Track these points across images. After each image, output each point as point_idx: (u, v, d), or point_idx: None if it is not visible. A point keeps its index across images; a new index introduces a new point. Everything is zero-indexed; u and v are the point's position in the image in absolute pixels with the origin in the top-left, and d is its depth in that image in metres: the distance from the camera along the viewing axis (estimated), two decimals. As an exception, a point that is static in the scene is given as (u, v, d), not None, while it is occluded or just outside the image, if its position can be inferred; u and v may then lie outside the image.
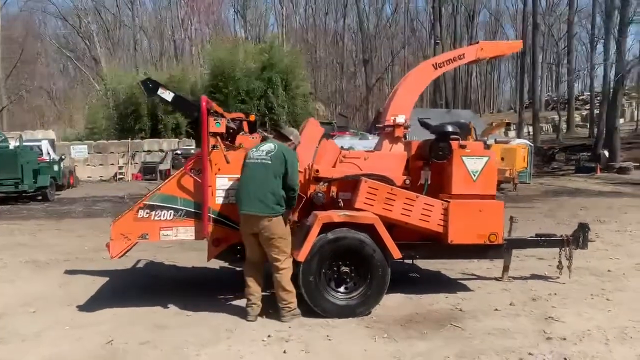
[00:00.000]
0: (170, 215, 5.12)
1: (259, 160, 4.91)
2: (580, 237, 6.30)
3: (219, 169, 5.21)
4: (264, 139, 5.26)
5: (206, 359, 4.21)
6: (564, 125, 44.78)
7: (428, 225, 5.47)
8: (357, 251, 5.09)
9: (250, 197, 4.84)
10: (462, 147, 5.61)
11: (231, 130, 5.35)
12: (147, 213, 5.08)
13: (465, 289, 6.12)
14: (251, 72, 30.34)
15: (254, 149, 5.04)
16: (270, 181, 4.85)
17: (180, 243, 8.58)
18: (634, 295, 5.84)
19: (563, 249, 6.31)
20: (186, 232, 5.17)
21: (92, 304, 5.57)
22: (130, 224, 5.06)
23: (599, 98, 42.04)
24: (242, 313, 5.18)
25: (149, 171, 26.11)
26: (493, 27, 62.56)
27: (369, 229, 5.11)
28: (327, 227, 5.05)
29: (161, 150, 27.17)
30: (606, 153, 31.93)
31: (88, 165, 26.86)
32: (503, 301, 5.60)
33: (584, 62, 55.87)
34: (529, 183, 22.34)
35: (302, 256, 4.96)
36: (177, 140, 27.94)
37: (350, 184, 5.56)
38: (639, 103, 46.24)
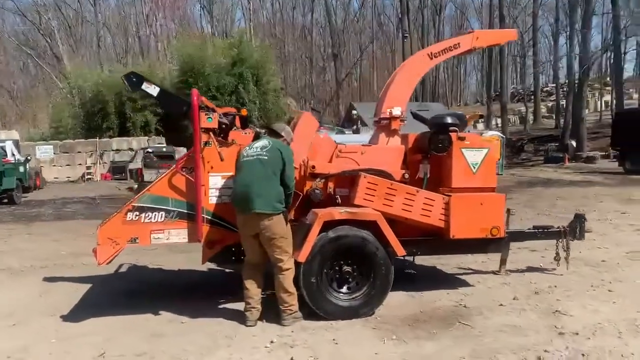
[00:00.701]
0: (161, 217, 4.82)
1: (255, 157, 4.66)
2: (577, 228, 6.24)
3: (212, 167, 4.94)
4: (256, 137, 5.02)
5: (209, 369, 3.95)
6: (530, 117, 45.54)
7: (429, 220, 5.30)
8: (360, 249, 4.90)
9: (249, 196, 4.58)
10: (461, 139, 5.46)
11: (223, 126, 5.09)
12: (136, 215, 4.77)
13: (465, 284, 6.00)
14: (221, 67, 29.82)
15: (247, 147, 4.79)
16: (269, 177, 4.62)
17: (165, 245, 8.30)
18: (634, 286, 5.80)
19: (560, 240, 6.24)
20: (179, 234, 4.88)
21: (78, 314, 5.23)
22: (119, 228, 4.75)
23: (564, 89, 42.84)
24: (239, 317, 4.93)
25: (118, 171, 25.46)
26: (459, 21, 63.18)
27: (372, 225, 4.92)
28: (327, 226, 4.83)
29: (130, 149, 26.50)
30: (573, 143, 32.62)
31: (54, 165, 26.03)
32: (506, 296, 5.49)
33: (547, 55, 56.92)
34: (502, 174, 22.54)
35: (302, 256, 4.73)
36: (146, 138, 27.28)
37: (348, 180, 5.36)
38: (602, 94, 47.34)
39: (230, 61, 30.21)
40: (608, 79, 47.01)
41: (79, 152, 26.53)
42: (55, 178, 25.26)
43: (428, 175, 5.51)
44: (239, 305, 5.33)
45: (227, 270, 6.91)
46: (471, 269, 6.65)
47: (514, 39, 6.59)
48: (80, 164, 26.33)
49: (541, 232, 6.20)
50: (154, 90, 5.21)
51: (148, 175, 19.39)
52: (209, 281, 6.56)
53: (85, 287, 6.19)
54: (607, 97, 48.08)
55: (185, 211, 4.87)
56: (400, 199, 5.22)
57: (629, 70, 53.63)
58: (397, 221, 5.28)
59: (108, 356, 4.22)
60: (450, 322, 4.77)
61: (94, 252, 4.73)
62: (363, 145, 5.67)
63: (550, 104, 49.57)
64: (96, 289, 6.14)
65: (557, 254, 6.27)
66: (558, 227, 6.26)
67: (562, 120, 39.06)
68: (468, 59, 69.29)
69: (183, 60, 30.21)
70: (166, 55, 42.57)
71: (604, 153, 31.32)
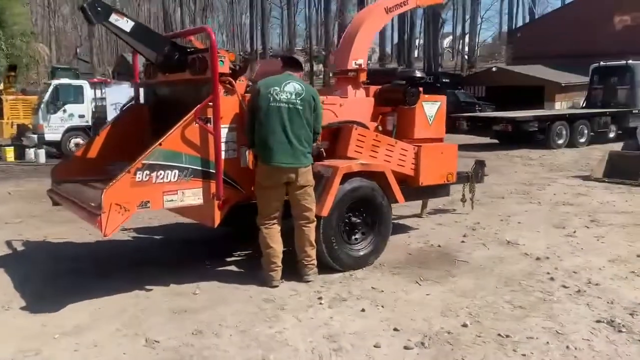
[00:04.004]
0: (174, 175, 4.12)
1: (291, 106, 4.33)
2: (479, 172, 7.23)
3: (221, 118, 4.38)
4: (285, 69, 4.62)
5: (293, 333, 3.66)
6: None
7: (403, 169, 5.60)
8: (370, 200, 4.98)
9: (290, 151, 4.32)
10: (421, 92, 5.84)
11: (231, 72, 4.50)
12: (146, 175, 4.00)
13: (409, 228, 6.51)
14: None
15: (276, 88, 4.37)
16: (306, 128, 4.41)
17: (38, 215, 7.00)
18: (529, 216, 7.11)
19: (466, 183, 7.17)
20: (194, 195, 4.25)
21: (41, 304, 4.15)
22: (127, 191, 3.92)
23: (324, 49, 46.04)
24: (249, 279, 4.66)
25: None
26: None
27: (378, 176, 5.04)
28: (344, 178, 4.78)
29: None
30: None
31: None
32: (454, 234, 6.19)
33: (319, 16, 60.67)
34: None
35: (326, 210, 4.61)
36: None
37: (330, 132, 5.31)
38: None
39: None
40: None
41: None
42: None
43: (396, 127, 5.77)
44: (230, 268, 5.04)
45: (156, 237, 6.21)
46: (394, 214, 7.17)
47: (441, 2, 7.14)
48: None
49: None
50: (126, 24, 4.32)
51: None
52: (148, 249, 5.79)
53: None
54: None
55: (200, 168, 4.26)
56: (383, 150, 5.40)
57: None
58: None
59: (159, 340, 3.57)
60: (448, 260, 5.23)
61: (98, 222, 3.83)
62: (340, 97, 5.61)
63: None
64: (22, 273, 4.89)
65: (464, 195, 7.20)
66: (466, 172, 7.16)
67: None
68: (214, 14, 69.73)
69: None
70: None
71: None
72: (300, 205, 4.48)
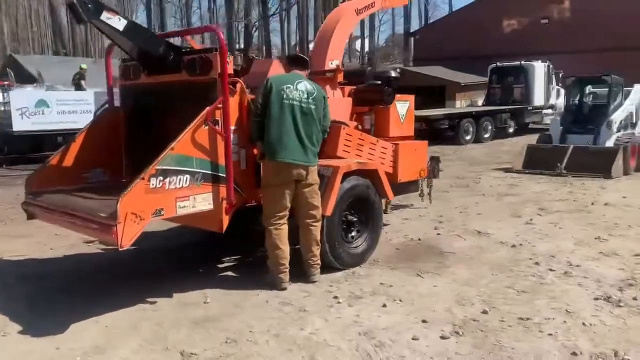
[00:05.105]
0: (186, 181, 3.94)
1: (303, 105, 4.33)
2: (435, 168, 7.54)
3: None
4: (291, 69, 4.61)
5: (328, 333, 3.65)
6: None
7: (383, 167, 5.73)
8: (364, 197, 5.06)
9: (300, 147, 4.31)
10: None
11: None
12: (160, 181, 3.78)
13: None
14: None
15: (289, 86, 4.34)
16: (316, 128, 4.45)
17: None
18: (483, 208, 7.54)
19: (424, 179, 7.45)
20: (204, 200, 4.08)
21: (40, 324, 3.81)
22: (142, 198, 3.69)
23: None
24: (253, 284, 4.56)
25: None
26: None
27: (371, 174, 5.13)
28: (343, 177, 4.82)
29: None
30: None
31: None
32: (425, 227, 6.44)
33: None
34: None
35: (329, 210, 4.63)
36: None
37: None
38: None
39: None
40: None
41: None
42: None
43: (374, 126, 5.90)
44: (227, 274, 4.91)
45: (134, 247, 5.83)
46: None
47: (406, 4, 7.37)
48: None
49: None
50: (119, 23, 4.07)
51: None
52: (125, 261, 5.43)
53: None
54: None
55: (210, 172, 4.10)
56: (367, 149, 5.50)
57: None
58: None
59: (198, 353, 3.41)
60: (435, 252, 5.45)
61: (114, 233, 3.57)
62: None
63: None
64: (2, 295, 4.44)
65: (422, 190, 7.47)
66: (425, 168, 7.46)
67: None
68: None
69: None
70: None
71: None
72: (308, 203, 4.46)
